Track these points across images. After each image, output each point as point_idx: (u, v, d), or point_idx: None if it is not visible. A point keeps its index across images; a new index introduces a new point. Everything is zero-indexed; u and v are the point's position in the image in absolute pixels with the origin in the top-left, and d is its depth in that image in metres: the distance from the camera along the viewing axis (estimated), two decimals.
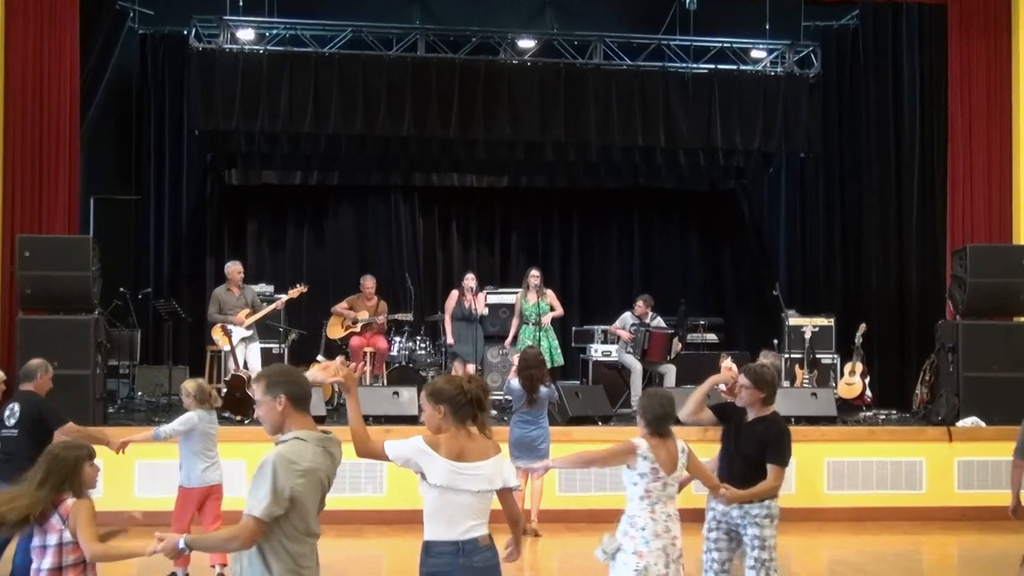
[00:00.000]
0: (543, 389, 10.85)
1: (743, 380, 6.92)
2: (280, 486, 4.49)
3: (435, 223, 17.86)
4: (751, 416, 6.93)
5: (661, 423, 6.38)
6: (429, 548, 5.20)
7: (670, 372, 14.39)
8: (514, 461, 10.97)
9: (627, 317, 14.75)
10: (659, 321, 14.80)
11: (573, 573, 9.99)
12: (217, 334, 13.70)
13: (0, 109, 13.08)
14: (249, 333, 13.65)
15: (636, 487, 6.31)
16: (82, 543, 5.30)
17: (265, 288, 15.14)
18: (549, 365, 13.77)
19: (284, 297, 14.19)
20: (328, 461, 4.73)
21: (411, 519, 11.40)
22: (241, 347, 13.54)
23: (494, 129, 15.55)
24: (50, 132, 13.51)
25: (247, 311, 13.70)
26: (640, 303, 14.74)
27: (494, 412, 14.05)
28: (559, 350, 14.19)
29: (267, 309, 13.90)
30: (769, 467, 6.79)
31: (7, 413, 8.36)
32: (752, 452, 6.83)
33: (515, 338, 14.08)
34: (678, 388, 13.49)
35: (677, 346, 14.67)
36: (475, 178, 17.62)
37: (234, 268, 13.99)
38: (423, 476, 5.18)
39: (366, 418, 12.06)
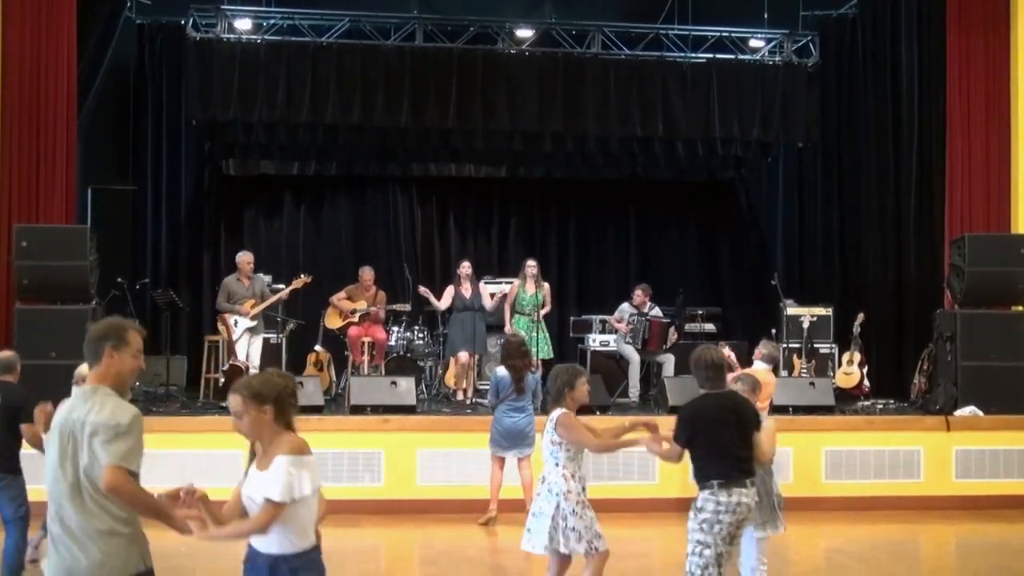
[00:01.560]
0: (529, 376, 10.92)
1: None
2: None
3: (433, 213, 17.84)
4: None
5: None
6: (312, 554, 4.80)
7: (668, 362, 14.39)
8: (503, 451, 10.95)
9: (625, 308, 14.75)
10: (656, 310, 14.80)
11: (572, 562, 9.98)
12: (220, 324, 13.75)
13: None
14: (254, 324, 13.66)
15: None
16: None
17: (263, 278, 15.12)
18: (541, 357, 13.79)
19: (288, 288, 14.18)
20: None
21: (411, 509, 11.48)
22: (246, 337, 13.57)
23: (492, 119, 15.52)
24: (47, 122, 13.47)
25: (252, 301, 13.71)
26: (639, 292, 14.74)
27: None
28: (549, 342, 14.14)
29: (272, 299, 13.92)
30: None
31: None
32: None
33: (508, 326, 14.07)
34: (676, 378, 13.52)
35: (673, 336, 14.67)
36: (473, 168, 17.59)
37: (244, 259, 14.04)
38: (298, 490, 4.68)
39: (364, 407, 12.17)
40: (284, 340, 14.67)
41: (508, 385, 10.81)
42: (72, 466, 4.59)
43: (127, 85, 16.60)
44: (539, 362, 13.91)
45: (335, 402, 13.83)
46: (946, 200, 15.02)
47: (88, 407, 4.60)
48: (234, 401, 4.76)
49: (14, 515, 8.16)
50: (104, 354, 4.72)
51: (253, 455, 4.82)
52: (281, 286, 14.78)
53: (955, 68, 14.84)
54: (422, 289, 14.32)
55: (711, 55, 15.95)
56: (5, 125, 13.20)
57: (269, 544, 4.68)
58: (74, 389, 4.60)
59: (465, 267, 14.16)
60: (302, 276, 14.14)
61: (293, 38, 15.23)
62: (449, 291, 14.13)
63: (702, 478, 6.49)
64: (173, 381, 14.24)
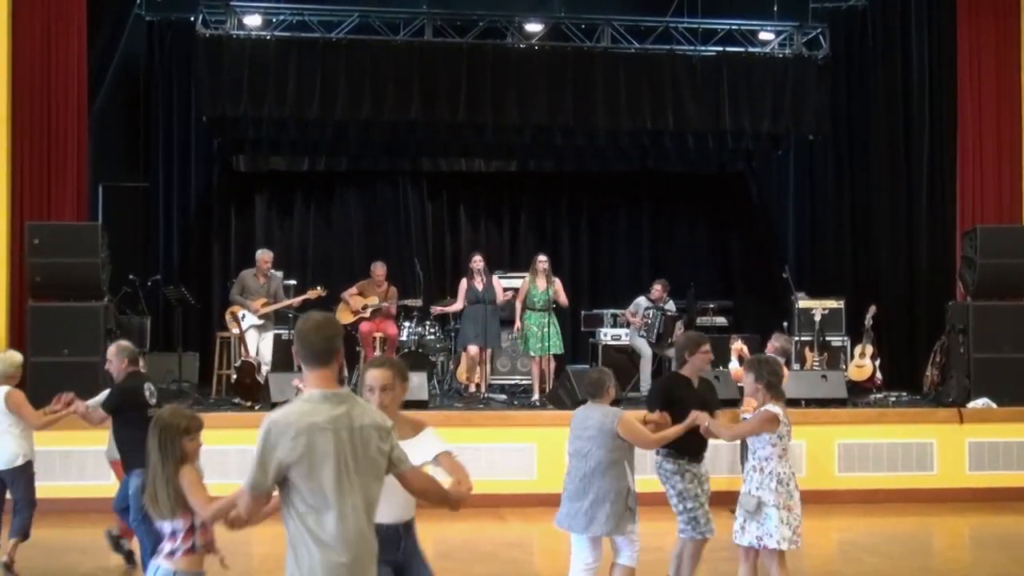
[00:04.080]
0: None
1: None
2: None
3: (443, 208, 17.84)
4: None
5: (780, 385, 6.99)
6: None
7: None
8: None
9: (641, 302, 14.72)
10: (671, 304, 14.80)
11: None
12: (227, 317, 13.78)
13: (8, 97, 13.05)
14: (261, 322, 13.69)
15: (775, 448, 6.93)
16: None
17: (279, 277, 15.13)
18: (549, 352, 13.72)
19: (300, 298, 14.18)
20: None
21: (425, 503, 11.48)
22: (254, 333, 13.59)
23: (502, 113, 15.51)
24: (58, 119, 13.49)
25: (264, 300, 13.74)
26: (657, 287, 14.69)
27: (503, 396, 14.10)
28: (560, 338, 14.00)
29: (282, 303, 13.94)
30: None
31: (147, 393, 8.18)
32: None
33: (520, 321, 13.99)
34: None
35: (679, 330, 14.65)
36: (483, 163, 17.62)
37: (263, 257, 14.11)
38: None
39: None
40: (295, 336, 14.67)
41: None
42: (357, 476, 4.30)
43: (137, 82, 16.62)
44: (551, 357, 13.89)
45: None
46: (957, 192, 14.98)
47: (360, 411, 4.39)
48: (385, 376, 5.22)
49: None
50: (338, 354, 4.54)
51: None
52: (293, 282, 14.81)
53: (965, 59, 14.80)
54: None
55: (721, 48, 15.93)
56: (16, 123, 13.21)
57: (403, 511, 5.05)
58: (316, 392, 4.38)
59: (477, 260, 14.10)
60: (317, 288, 14.12)
61: (303, 34, 15.25)
62: (463, 286, 14.07)
63: None
64: (185, 378, 14.26)
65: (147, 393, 8.16)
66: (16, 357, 9.05)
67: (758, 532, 6.86)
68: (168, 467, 5.17)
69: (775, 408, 6.86)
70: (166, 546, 5.20)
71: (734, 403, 10.56)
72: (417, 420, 5.46)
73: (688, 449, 7.42)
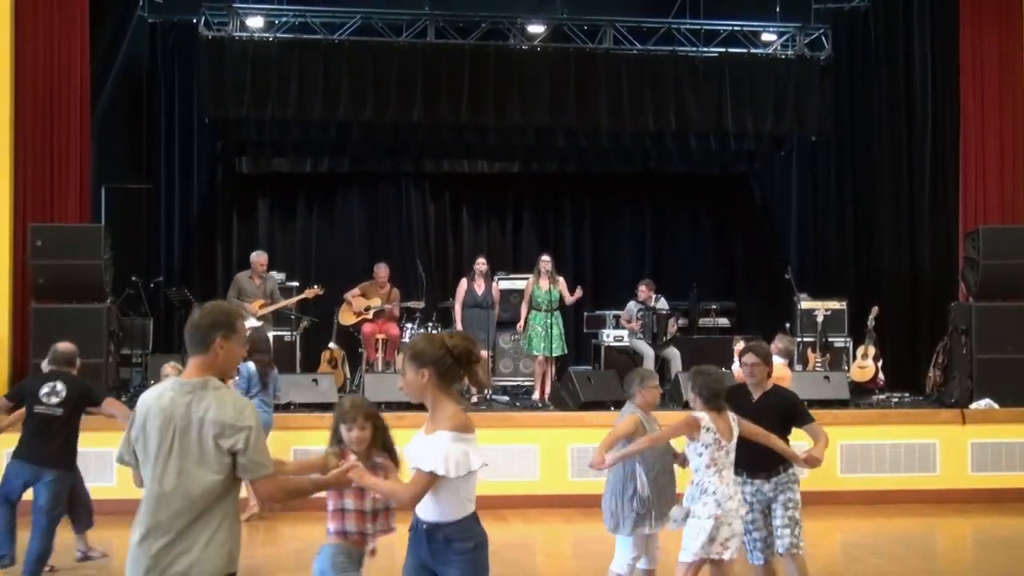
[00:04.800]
0: (272, 372, 10.94)
1: (751, 359, 7.28)
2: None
3: (446, 209, 17.84)
4: (757, 393, 7.31)
5: (717, 398, 6.74)
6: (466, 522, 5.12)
7: (675, 357, 14.35)
8: None
9: (632, 306, 14.76)
10: (662, 302, 14.82)
11: (587, 557, 10.00)
12: None
13: (11, 99, 13.06)
14: (260, 323, 13.69)
15: (702, 457, 6.68)
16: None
17: (276, 276, 15.15)
18: (553, 354, 13.70)
19: (298, 297, 14.20)
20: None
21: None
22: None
23: (505, 115, 15.51)
24: (61, 121, 13.50)
25: (261, 302, 13.75)
26: (643, 287, 14.75)
27: (505, 397, 14.09)
28: (563, 339, 14.01)
29: (280, 304, 13.95)
30: (809, 428, 7.40)
31: (45, 391, 8.27)
32: (774, 423, 7.12)
33: (525, 323, 14.02)
34: (687, 372, 13.47)
35: (672, 328, 14.65)
36: (486, 164, 17.60)
37: (258, 259, 14.11)
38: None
39: (379, 404, 12.16)
40: (298, 337, 14.70)
41: (257, 380, 10.75)
42: (180, 463, 4.27)
43: (140, 84, 16.64)
44: (553, 360, 13.89)
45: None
46: (960, 193, 14.99)
47: (206, 404, 4.28)
48: (399, 360, 4.99)
49: (47, 512, 8.19)
50: (215, 343, 4.40)
51: None
52: (295, 284, 14.82)
53: (968, 60, 14.80)
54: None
55: (723, 49, 15.93)
56: (19, 125, 13.22)
57: (427, 512, 4.94)
58: (172, 379, 4.43)
59: (481, 264, 14.13)
60: (315, 287, 14.14)
61: (305, 35, 15.26)
62: (461, 288, 14.08)
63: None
64: None
65: (44, 391, 8.26)
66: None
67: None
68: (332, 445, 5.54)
69: (699, 413, 6.70)
70: (331, 525, 5.56)
71: None
72: (450, 419, 4.89)
73: (739, 462, 6.90)
